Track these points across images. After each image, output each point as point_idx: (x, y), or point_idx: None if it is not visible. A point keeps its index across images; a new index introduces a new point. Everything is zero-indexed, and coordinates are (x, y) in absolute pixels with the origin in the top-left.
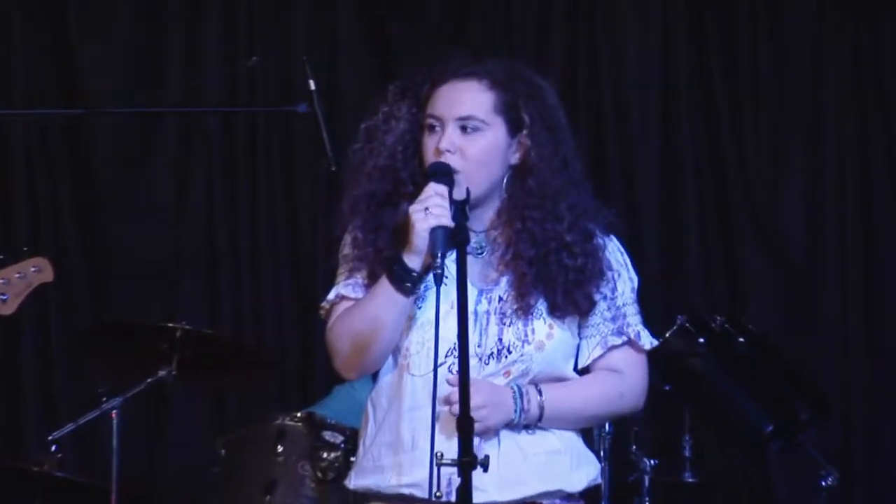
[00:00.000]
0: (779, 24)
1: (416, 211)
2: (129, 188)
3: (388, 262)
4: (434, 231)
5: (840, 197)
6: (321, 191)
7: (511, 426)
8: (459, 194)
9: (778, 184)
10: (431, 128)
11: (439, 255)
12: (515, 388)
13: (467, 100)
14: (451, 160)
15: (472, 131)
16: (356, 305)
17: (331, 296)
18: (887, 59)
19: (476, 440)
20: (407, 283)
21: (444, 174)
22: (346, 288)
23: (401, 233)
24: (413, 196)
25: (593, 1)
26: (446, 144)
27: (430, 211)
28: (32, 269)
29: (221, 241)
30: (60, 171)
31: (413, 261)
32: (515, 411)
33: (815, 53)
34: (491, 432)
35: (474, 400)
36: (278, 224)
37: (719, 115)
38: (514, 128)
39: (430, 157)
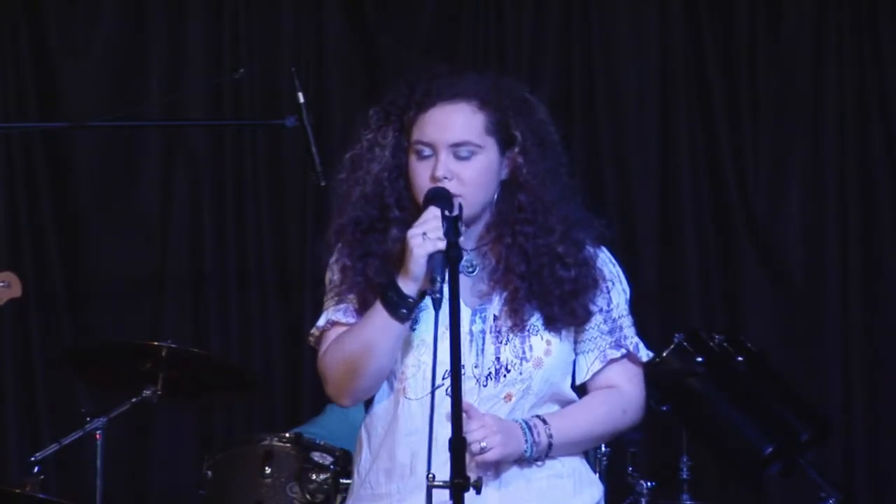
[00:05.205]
0: (778, 33)
1: (414, 236)
2: (112, 205)
3: (382, 289)
4: (433, 256)
5: (841, 213)
6: (310, 206)
7: (521, 461)
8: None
9: (778, 199)
10: (421, 153)
11: (438, 279)
12: (522, 423)
13: (459, 124)
14: (449, 187)
15: (466, 155)
16: (349, 331)
17: (321, 322)
18: (889, 66)
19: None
20: (402, 309)
21: (443, 198)
22: (336, 313)
23: (392, 259)
24: (400, 221)
25: (588, 12)
26: (443, 172)
27: (427, 236)
28: (0, 285)
29: (207, 258)
30: (42, 187)
31: (409, 287)
32: (527, 442)
33: (815, 62)
34: (507, 461)
35: (489, 428)
36: (265, 240)
37: (718, 131)
38: (504, 145)
39: (423, 184)
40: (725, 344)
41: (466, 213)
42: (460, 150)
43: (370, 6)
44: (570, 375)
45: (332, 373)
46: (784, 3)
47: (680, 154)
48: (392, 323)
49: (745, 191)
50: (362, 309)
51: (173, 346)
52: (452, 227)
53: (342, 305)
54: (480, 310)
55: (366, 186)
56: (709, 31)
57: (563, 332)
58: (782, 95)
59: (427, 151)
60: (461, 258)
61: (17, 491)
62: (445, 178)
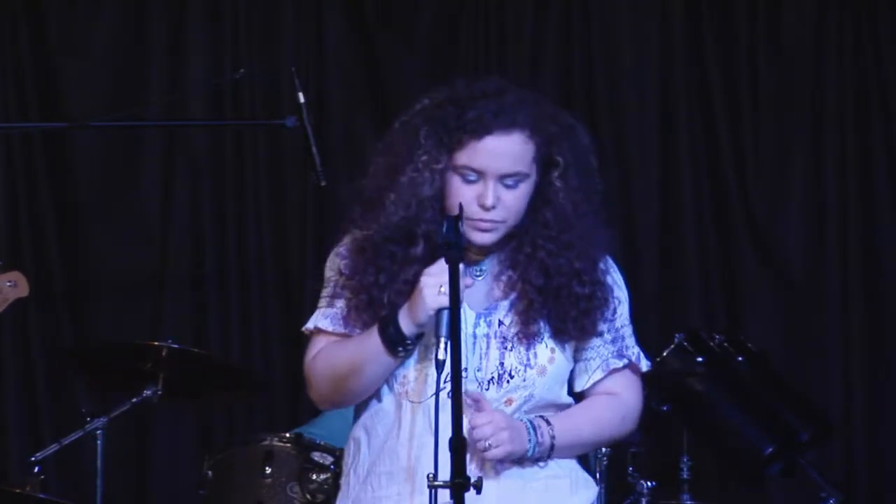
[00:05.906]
0: (778, 33)
1: (429, 286)
2: (112, 205)
3: (383, 322)
4: (441, 312)
5: (841, 213)
6: (310, 206)
7: (522, 459)
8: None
9: (778, 199)
10: (466, 177)
11: (443, 338)
12: (527, 422)
13: (512, 155)
14: (494, 214)
15: (513, 184)
16: (341, 346)
17: (310, 324)
18: (889, 65)
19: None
20: (399, 347)
21: (455, 256)
22: (324, 320)
23: (400, 282)
24: (425, 236)
25: (588, 12)
26: (492, 201)
27: (443, 290)
28: (8, 284)
29: (207, 258)
30: (42, 188)
31: (410, 328)
32: (530, 441)
33: (815, 62)
34: (511, 458)
35: (497, 424)
36: (265, 240)
37: (718, 131)
38: (545, 169)
39: (463, 204)
40: (726, 344)
41: (503, 233)
42: (508, 180)
43: (370, 6)
44: (567, 381)
45: (317, 382)
46: (784, 3)
47: (680, 154)
48: (386, 356)
49: (745, 191)
50: (353, 320)
51: (173, 346)
52: (453, 227)
53: (331, 311)
54: (486, 314)
55: (409, 210)
56: (709, 31)
57: (567, 343)
58: (782, 95)
59: (473, 176)
60: (461, 259)
61: (17, 491)
62: (493, 207)
